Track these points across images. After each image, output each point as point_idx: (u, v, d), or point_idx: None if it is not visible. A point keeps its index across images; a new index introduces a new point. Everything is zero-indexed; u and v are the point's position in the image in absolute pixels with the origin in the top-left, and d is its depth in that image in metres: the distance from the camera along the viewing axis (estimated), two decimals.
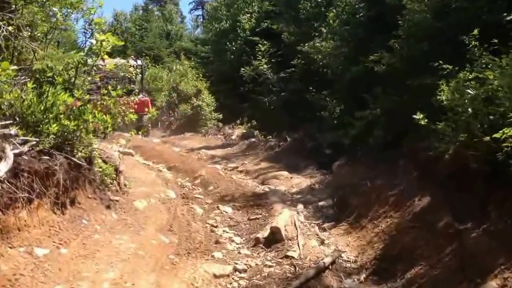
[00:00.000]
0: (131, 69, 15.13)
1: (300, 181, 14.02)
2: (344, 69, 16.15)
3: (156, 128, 30.50)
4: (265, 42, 24.88)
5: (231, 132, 24.17)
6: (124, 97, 13.09)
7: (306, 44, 18.66)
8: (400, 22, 12.21)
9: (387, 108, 12.15)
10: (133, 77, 15.59)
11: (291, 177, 14.41)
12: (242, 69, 25.14)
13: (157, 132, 29.36)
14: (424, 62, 11.00)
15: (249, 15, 29.66)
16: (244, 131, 23.77)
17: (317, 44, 17.46)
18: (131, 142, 22.06)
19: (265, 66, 24.38)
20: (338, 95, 17.56)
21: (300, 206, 11.57)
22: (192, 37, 48.79)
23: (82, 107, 8.42)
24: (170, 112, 30.28)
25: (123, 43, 10.83)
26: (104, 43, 9.02)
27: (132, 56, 23.75)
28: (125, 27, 51.69)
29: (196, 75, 30.46)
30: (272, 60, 24.82)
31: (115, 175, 10.51)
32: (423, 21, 11.49)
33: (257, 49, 24.78)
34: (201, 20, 52.60)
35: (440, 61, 9.25)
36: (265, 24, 27.18)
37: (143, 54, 42.69)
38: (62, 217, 7.24)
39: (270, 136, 21.14)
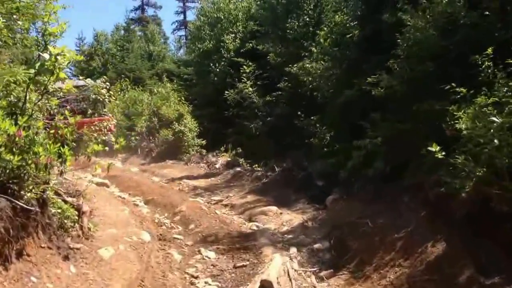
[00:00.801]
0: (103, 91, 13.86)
1: (291, 218, 12.70)
2: (336, 93, 15.15)
3: (135, 155, 29.16)
4: (250, 63, 23.90)
5: (215, 160, 22.81)
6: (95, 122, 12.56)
7: (295, 65, 17.46)
8: (399, 40, 11.13)
9: (388, 136, 10.94)
10: (106, 100, 14.26)
11: (280, 213, 13.07)
12: (226, 92, 24.04)
13: (136, 160, 28.02)
14: (429, 84, 10.08)
15: (233, 35, 28.76)
16: (229, 159, 22.42)
17: (307, 65, 16.36)
18: (107, 172, 21.07)
19: (250, 89, 23.31)
20: (329, 121, 16.56)
21: (293, 250, 10.14)
22: (175, 59, 47.53)
23: (33, 137, 6.92)
24: (151, 138, 28.89)
25: (82, 58, 9.37)
26: (59, 57, 7.29)
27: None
28: (106, 48, 50.68)
29: (178, 99, 29.05)
30: (258, 83, 23.86)
31: (77, 217, 9.13)
32: (427, 39, 10.40)
33: (241, 70, 23.79)
34: (184, 40, 51.52)
35: (453, 84, 8.15)
36: (250, 44, 26.17)
37: (124, 75, 41.77)
38: (3, 275, 5.90)
39: (257, 165, 19.88)
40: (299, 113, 18.52)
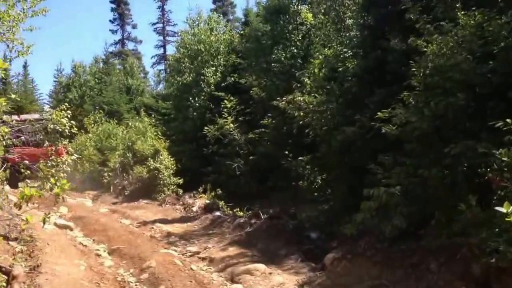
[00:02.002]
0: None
1: (282, 280, 10.00)
2: (331, 130, 13.00)
3: (107, 193, 26.59)
4: (232, 98, 21.73)
5: (192, 203, 20.17)
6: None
7: (284, 98, 15.24)
8: (413, 69, 9.18)
9: (405, 185, 8.66)
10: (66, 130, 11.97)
11: (269, 273, 10.35)
12: (206, 128, 21.67)
13: (108, 198, 25.41)
14: (460, 121, 7.99)
15: (214, 68, 26.83)
16: (208, 201, 19.79)
17: (298, 98, 14.10)
18: (73, 212, 18.64)
19: (231, 125, 21.12)
20: (322, 162, 14.29)
21: None
22: (154, 93, 45.23)
23: None
24: (124, 174, 26.28)
25: (7, 65, 7.66)
26: None
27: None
28: (84, 80, 48.33)
29: (155, 134, 26.61)
30: (240, 119, 21.71)
31: (5, 284, 6.79)
32: (456, 67, 8.30)
33: (222, 105, 21.63)
34: (164, 75, 49.39)
35: (507, 120, 6.10)
36: (232, 78, 24.57)
37: (101, 108, 39.70)
38: None
39: (238, 210, 17.47)
40: (286, 152, 16.46)
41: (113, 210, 20.36)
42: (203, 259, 12.29)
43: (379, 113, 9.51)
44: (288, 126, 17.92)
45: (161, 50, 61.50)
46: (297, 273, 10.43)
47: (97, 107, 39.59)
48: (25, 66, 56.91)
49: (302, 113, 14.05)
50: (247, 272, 10.34)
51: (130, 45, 63.78)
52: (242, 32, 25.40)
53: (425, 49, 9.04)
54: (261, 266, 10.53)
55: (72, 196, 24.75)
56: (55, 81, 53.45)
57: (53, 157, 11.79)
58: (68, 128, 12.20)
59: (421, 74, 9.11)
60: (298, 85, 15.72)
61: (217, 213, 17.54)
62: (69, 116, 12.28)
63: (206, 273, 10.97)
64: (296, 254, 11.68)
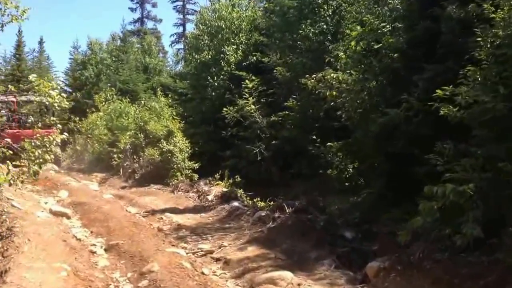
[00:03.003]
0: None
1: None
2: (369, 112, 11.46)
3: (116, 176, 24.76)
4: (253, 77, 20.08)
5: (207, 190, 18.04)
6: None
7: (313, 76, 13.42)
8: (480, 40, 7.62)
9: (477, 181, 6.79)
10: (55, 105, 10.20)
11: (298, 284, 8.37)
12: (225, 109, 20.24)
13: (116, 182, 23.65)
14: None
15: (235, 46, 25.10)
16: (225, 189, 17.85)
17: (332, 74, 12.25)
18: (74, 197, 16.88)
19: (252, 106, 19.60)
20: (355, 149, 12.72)
21: None
22: (172, 73, 43.42)
23: None
24: (135, 157, 24.52)
25: None
26: None
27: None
28: (100, 58, 46.80)
29: (170, 114, 24.82)
30: (262, 100, 20.13)
31: None
32: None
33: (243, 85, 19.97)
34: (183, 54, 47.46)
35: None
36: (254, 57, 22.75)
37: (117, 87, 38.16)
38: None
39: (259, 200, 15.63)
40: (313, 137, 15.09)
41: (119, 195, 18.56)
42: (217, 260, 10.36)
43: (438, 91, 7.76)
44: (315, 108, 16.86)
45: (181, 29, 59.53)
46: (333, 285, 8.39)
47: (109, 85, 37.72)
48: (40, 42, 55.36)
49: (334, 93, 12.22)
50: (270, 282, 8.36)
51: (149, 24, 62.09)
52: (266, 6, 23.33)
53: (493, 15, 7.52)
54: (287, 275, 8.51)
55: (78, 178, 23.11)
56: (70, 59, 51.78)
57: (38, 135, 10.21)
58: (58, 102, 10.53)
59: (488, 46, 7.54)
60: (332, 59, 13.90)
61: (235, 204, 15.52)
62: (59, 87, 10.59)
63: (220, 280, 9.04)
64: (328, 258, 9.63)
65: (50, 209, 13.57)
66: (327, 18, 18.04)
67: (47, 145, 10.15)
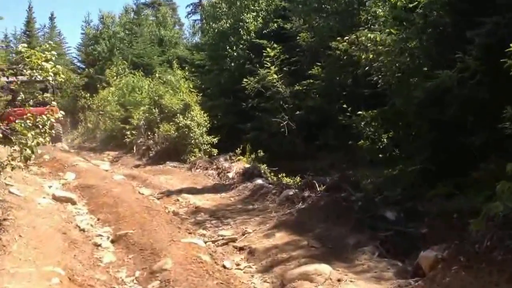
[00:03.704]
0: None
1: None
2: (412, 75, 10.24)
3: (129, 154, 23.59)
4: (275, 45, 18.84)
5: (228, 167, 16.60)
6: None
7: (346, 37, 12.09)
8: None
9: None
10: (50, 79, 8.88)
11: (338, 279, 7.03)
12: (245, 80, 19.17)
13: (129, 160, 22.55)
14: None
15: (254, 13, 23.88)
16: (247, 165, 16.55)
17: (369, 35, 10.92)
18: (81, 179, 15.64)
19: (274, 76, 18.45)
20: (394, 117, 11.45)
21: None
22: (189, 45, 42.04)
23: None
24: (149, 133, 23.32)
25: None
26: None
27: None
28: (113, 31, 45.71)
29: (187, 87, 23.64)
30: (284, 69, 18.98)
31: None
32: None
33: (264, 54, 18.73)
34: (199, 24, 46.05)
35: None
36: (275, 24, 21.79)
37: (131, 61, 37.30)
38: None
39: (284, 175, 14.31)
40: (344, 106, 13.50)
41: (132, 175, 17.31)
42: (241, 249, 9.04)
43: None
44: (343, 75, 16.02)
45: None
46: (379, 279, 6.99)
47: (120, 58, 36.51)
48: (51, 18, 54.41)
49: (371, 56, 10.86)
50: (305, 277, 6.98)
51: None
52: None
53: None
54: (324, 268, 7.10)
55: (88, 158, 21.93)
56: (82, 34, 50.71)
57: (29, 115, 8.89)
58: (53, 75, 9.21)
59: None
60: (363, 20, 12.57)
61: (259, 181, 14.14)
62: (54, 58, 9.27)
63: (245, 276, 7.70)
64: (370, 244, 8.23)
65: (54, 194, 12.40)
66: None
67: (41, 126, 8.84)
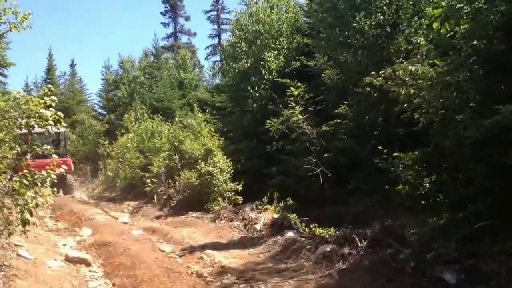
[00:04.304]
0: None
1: None
2: (458, 112, 8.99)
3: (150, 204, 22.30)
4: (299, 84, 17.86)
5: (255, 218, 15.08)
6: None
7: (381, 71, 10.95)
8: None
9: None
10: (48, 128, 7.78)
11: None
12: (268, 121, 18.22)
13: (150, 210, 21.22)
14: None
15: (276, 52, 22.99)
16: (275, 215, 15.19)
17: (408, 68, 9.68)
18: (98, 234, 14.50)
19: (300, 116, 17.37)
20: (438, 159, 10.19)
21: None
22: (209, 87, 41.16)
23: None
24: (170, 181, 22.03)
25: None
26: None
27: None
28: (133, 76, 45.13)
29: (208, 131, 22.51)
30: (309, 109, 18.07)
31: None
32: None
33: (288, 93, 17.79)
34: (219, 66, 45.30)
35: None
36: (297, 62, 21.10)
37: (151, 105, 36.80)
38: None
39: (317, 227, 12.99)
40: (377, 147, 12.04)
41: (152, 229, 15.94)
42: None
43: None
44: (374, 113, 15.22)
45: (216, 40, 57.77)
46: None
47: (139, 102, 35.69)
48: (71, 65, 54.10)
49: (412, 91, 9.67)
50: None
51: (183, 39, 60.71)
52: (309, 2, 21.23)
53: None
54: None
55: (107, 209, 20.81)
56: (102, 79, 50.20)
57: (25, 171, 7.74)
58: (53, 124, 8.09)
59: None
60: (401, 49, 11.44)
61: (290, 234, 12.64)
62: (54, 103, 8.14)
63: None
64: None
65: (67, 255, 11.34)
66: (384, 8, 15.47)
67: (39, 183, 7.71)
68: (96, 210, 19.72)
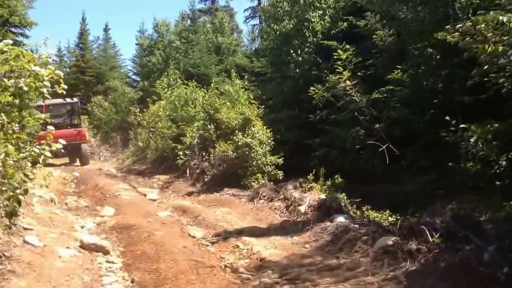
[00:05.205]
0: None
1: None
2: None
3: (182, 179, 20.82)
4: (347, 46, 16.47)
5: (299, 198, 13.30)
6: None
7: (459, 25, 9.29)
8: None
9: None
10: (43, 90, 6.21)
11: None
12: (312, 88, 16.97)
13: (182, 186, 19.83)
14: None
15: (321, 11, 21.59)
16: (322, 196, 13.44)
17: (499, 18, 8.00)
18: (120, 215, 13.05)
19: (348, 82, 16.06)
20: None
21: None
22: (248, 53, 39.64)
23: None
24: (204, 154, 20.35)
25: None
26: None
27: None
28: (168, 40, 43.69)
29: (246, 98, 21.43)
30: (358, 74, 16.79)
31: None
32: None
33: (334, 57, 16.44)
34: (258, 30, 43.53)
35: None
36: (345, 22, 19.75)
37: (186, 71, 35.76)
38: None
39: (369, 209, 11.38)
40: (446, 118, 10.10)
41: (182, 208, 14.48)
42: None
43: None
44: (434, 79, 13.79)
45: (255, 2, 54.84)
46: None
47: (172, 67, 34.29)
48: (105, 29, 53.06)
49: (500, 48, 7.99)
50: None
51: (221, 1, 58.51)
52: None
53: None
54: None
55: (135, 184, 19.48)
56: (137, 44, 48.91)
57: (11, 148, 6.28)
58: (49, 85, 6.51)
59: None
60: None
61: (340, 219, 10.80)
62: (51, 59, 6.61)
63: None
64: None
65: (82, 240, 9.99)
66: None
67: (24, 165, 6.20)
68: (123, 185, 18.57)
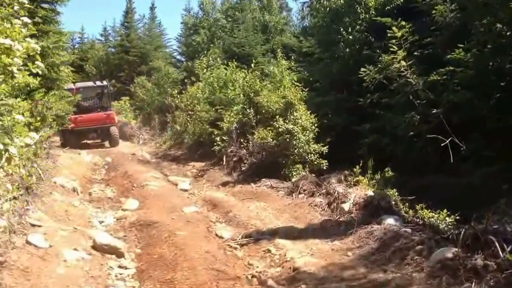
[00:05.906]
0: None
1: None
2: None
3: (217, 167, 19.68)
4: (403, 23, 15.91)
5: (343, 194, 11.86)
6: None
7: None
8: None
9: None
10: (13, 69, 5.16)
11: None
12: (363, 69, 16.55)
13: (216, 175, 18.64)
14: None
15: None
16: (369, 192, 12.03)
17: None
18: (143, 210, 11.95)
19: (402, 63, 15.46)
20: None
21: None
22: (297, 32, 38.44)
23: None
24: (242, 140, 19.14)
25: None
26: None
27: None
28: (213, 19, 43.86)
29: (290, 80, 20.27)
30: (415, 54, 16.09)
31: None
32: None
33: (389, 35, 15.91)
34: (308, 6, 42.40)
35: None
36: None
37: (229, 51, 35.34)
38: None
39: (424, 208, 10.14)
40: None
41: (213, 202, 13.40)
42: None
43: None
44: (500, 59, 13.14)
45: None
46: None
47: (211, 45, 33.46)
48: (151, 8, 52.89)
49: None
50: None
51: None
52: None
53: None
54: None
55: (167, 172, 18.57)
56: (182, 23, 48.44)
57: None
58: (20, 63, 5.52)
59: None
60: None
61: (390, 220, 9.36)
62: (24, 30, 5.61)
63: None
64: None
65: (95, 241, 8.98)
66: None
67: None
68: (154, 173, 17.78)
